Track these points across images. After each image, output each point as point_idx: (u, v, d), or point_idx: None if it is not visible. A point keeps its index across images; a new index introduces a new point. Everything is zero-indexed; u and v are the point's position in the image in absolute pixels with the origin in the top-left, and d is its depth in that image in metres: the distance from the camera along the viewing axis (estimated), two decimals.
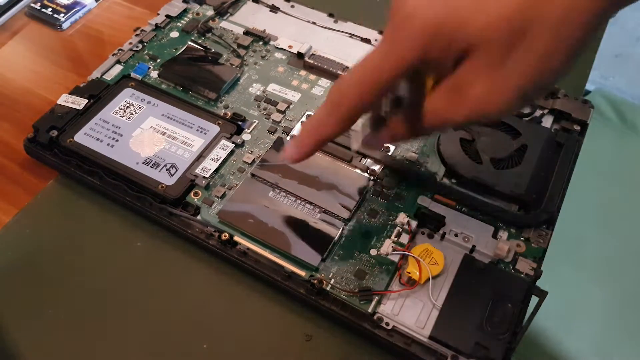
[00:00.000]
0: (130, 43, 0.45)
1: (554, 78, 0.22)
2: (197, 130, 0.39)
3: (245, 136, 0.39)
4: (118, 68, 0.44)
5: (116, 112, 0.40)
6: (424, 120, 0.25)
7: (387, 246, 0.33)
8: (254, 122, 0.40)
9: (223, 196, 0.36)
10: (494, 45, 0.21)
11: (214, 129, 0.39)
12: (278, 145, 0.38)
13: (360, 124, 0.27)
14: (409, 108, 0.25)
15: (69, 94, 0.41)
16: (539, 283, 0.32)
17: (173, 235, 0.36)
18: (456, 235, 0.34)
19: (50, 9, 0.51)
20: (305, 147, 0.27)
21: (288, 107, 0.41)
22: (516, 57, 0.21)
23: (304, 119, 0.40)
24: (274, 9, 0.49)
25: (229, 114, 0.40)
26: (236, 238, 0.34)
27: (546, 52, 0.21)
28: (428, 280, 0.32)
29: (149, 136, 0.39)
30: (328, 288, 0.32)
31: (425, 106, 0.25)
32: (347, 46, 0.45)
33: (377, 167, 0.37)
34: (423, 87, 0.25)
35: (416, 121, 0.25)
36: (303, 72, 0.43)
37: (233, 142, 0.38)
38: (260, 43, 0.46)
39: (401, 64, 0.23)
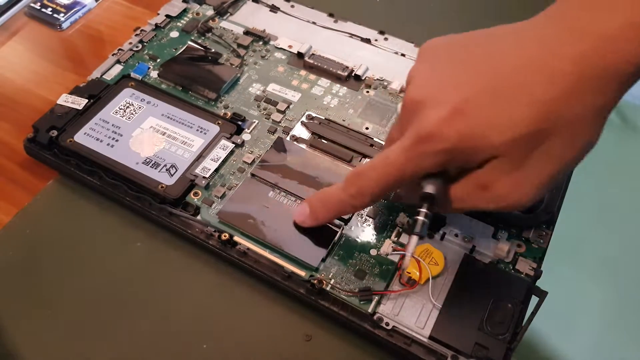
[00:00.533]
0: (130, 43, 0.45)
1: (570, 169, 0.25)
2: (197, 130, 0.39)
3: (245, 136, 0.39)
4: (118, 68, 0.44)
5: (116, 112, 0.40)
6: (452, 204, 0.27)
7: (387, 246, 0.33)
8: (254, 122, 0.40)
9: (223, 196, 0.36)
10: (512, 155, 0.24)
11: (214, 129, 0.39)
12: (278, 145, 0.38)
13: (412, 247, 0.28)
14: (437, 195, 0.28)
15: (69, 93, 0.41)
16: (539, 283, 0.32)
17: (173, 235, 0.36)
18: (456, 235, 0.34)
19: (50, 9, 0.51)
20: (322, 220, 0.32)
21: (288, 107, 0.41)
22: (534, 160, 0.24)
23: (304, 118, 0.40)
24: (273, 8, 0.49)
25: (229, 114, 0.40)
26: (236, 238, 0.34)
27: (562, 154, 0.24)
28: (428, 280, 0.32)
29: (148, 136, 0.39)
30: (328, 288, 0.32)
31: (453, 193, 0.27)
32: (347, 46, 0.45)
33: None
34: (446, 171, 0.27)
35: (443, 205, 0.28)
36: (303, 72, 0.43)
37: (233, 142, 0.38)
38: (260, 43, 0.45)
39: (422, 170, 0.26)
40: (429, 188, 0.27)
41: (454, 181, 0.27)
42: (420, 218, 0.27)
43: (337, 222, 0.34)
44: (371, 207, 0.27)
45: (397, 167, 0.26)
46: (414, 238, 0.28)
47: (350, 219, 0.34)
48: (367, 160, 0.37)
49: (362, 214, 0.35)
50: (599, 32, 0.22)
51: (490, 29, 0.26)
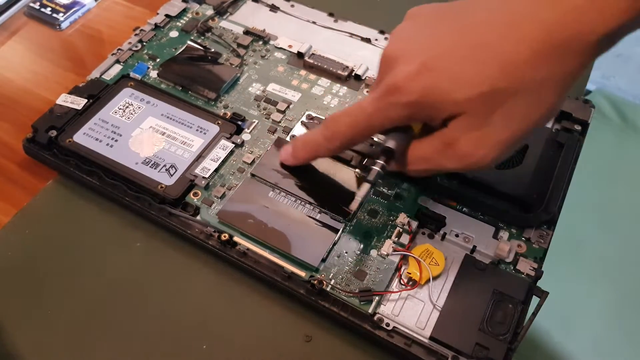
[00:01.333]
0: (130, 43, 0.45)
1: (532, 131, 0.26)
2: (197, 130, 0.39)
3: (245, 136, 0.39)
4: (117, 68, 0.44)
5: (115, 112, 0.40)
6: (417, 164, 0.29)
7: (387, 246, 0.33)
8: (254, 122, 0.40)
9: (223, 196, 0.36)
10: (475, 112, 0.25)
11: (214, 128, 0.39)
12: (278, 145, 0.38)
13: (363, 193, 0.30)
14: (397, 153, 0.29)
15: (68, 93, 0.41)
16: (539, 283, 0.32)
17: (173, 235, 0.35)
18: (457, 235, 0.34)
19: (49, 9, 0.51)
20: (301, 159, 0.35)
21: (288, 106, 0.41)
22: (498, 119, 0.25)
23: (304, 118, 0.40)
24: (273, 8, 0.48)
25: (229, 114, 0.40)
26: (236, 238, 0.34)
27: (525, 115, 0.25)
28: (428, 280, 0.31)
29: (148, 136, 0.39)
30: (328, 288, 0.32)
31: (418, 151, 0.29)
32: (347, 46, 0.45)
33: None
34: (410, 130, 0.29)
35: (404, 162, 0.29)
36: (303, 72, 0.43)
37: (233, 142, 0.38)
38: (260, 42, 0.45)
39: (388, 121, 0.28)
40: (390, 143, 0.29)
41: (420, 140, 0.28)
42: (376, 168, 0.30)
43: (337, 222, 0.34)
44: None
45: (366, 115, 0.28)
46: (366, 185, 0.30)
47: (351, 219, 0.34)
48: (369, 160, 0.37)
49: (363, 213, 0.35)
50: (571, 2, 0.23)
51: None
